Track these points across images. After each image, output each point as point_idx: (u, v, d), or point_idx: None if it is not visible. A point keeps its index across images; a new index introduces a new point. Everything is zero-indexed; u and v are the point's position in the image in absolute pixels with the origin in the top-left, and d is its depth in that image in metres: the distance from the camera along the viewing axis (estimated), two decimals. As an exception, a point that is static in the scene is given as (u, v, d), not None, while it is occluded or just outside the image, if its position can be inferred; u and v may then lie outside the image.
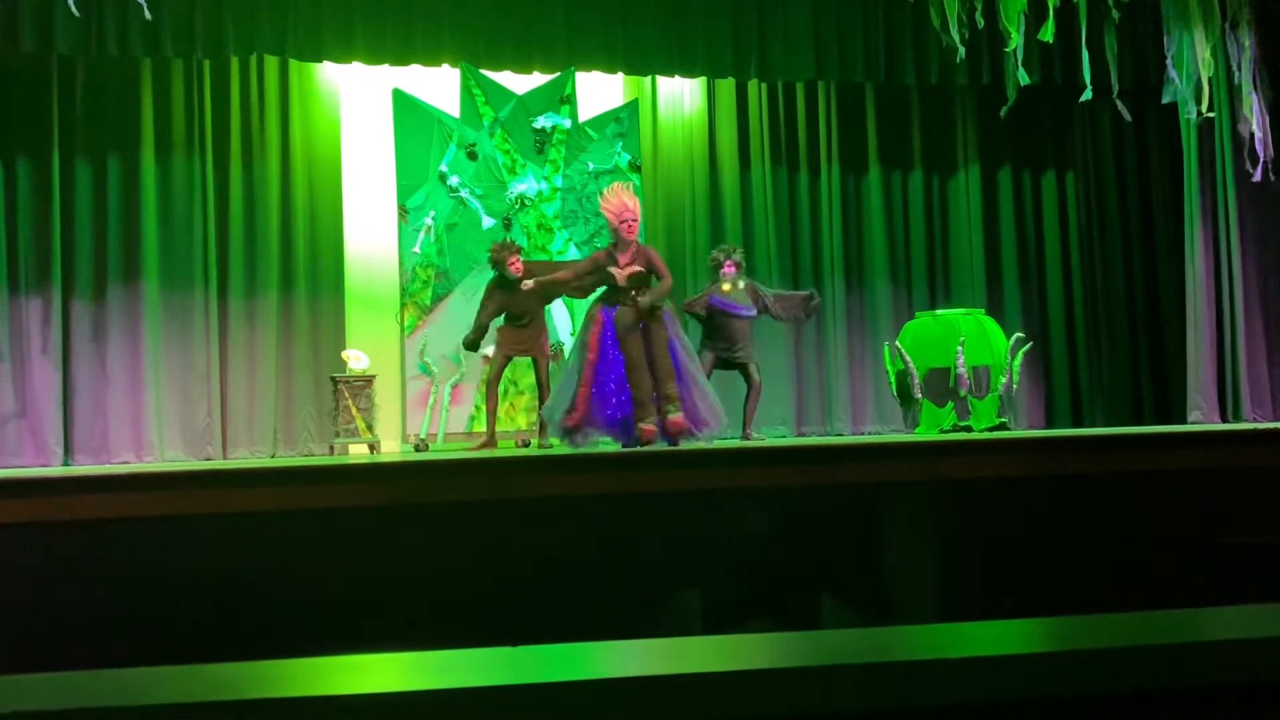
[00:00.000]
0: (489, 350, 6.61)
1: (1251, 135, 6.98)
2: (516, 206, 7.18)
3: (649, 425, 4.83)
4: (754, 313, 6.06)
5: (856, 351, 7.80)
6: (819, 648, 1.15)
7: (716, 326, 6.01)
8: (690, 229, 7.53)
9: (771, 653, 1.12)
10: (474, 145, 7.13)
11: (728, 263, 6.09)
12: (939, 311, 6.93)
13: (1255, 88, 7.03)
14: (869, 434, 7.55)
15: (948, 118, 8.10)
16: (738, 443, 5.62)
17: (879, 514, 3.83)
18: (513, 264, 5.86)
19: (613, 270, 4.97)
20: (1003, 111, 7.22)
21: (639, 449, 4.81)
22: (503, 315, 5.93)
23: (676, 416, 4.84)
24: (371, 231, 7.13)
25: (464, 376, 6.83)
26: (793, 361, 7.75)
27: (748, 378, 6.13)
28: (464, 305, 6.76)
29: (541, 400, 5.78)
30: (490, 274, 6.13)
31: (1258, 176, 7.04)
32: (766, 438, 5.85)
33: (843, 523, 3.74)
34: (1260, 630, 1.13)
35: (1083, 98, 7.11)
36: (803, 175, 7.87)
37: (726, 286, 6.03)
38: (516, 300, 5.85)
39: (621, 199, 5.07)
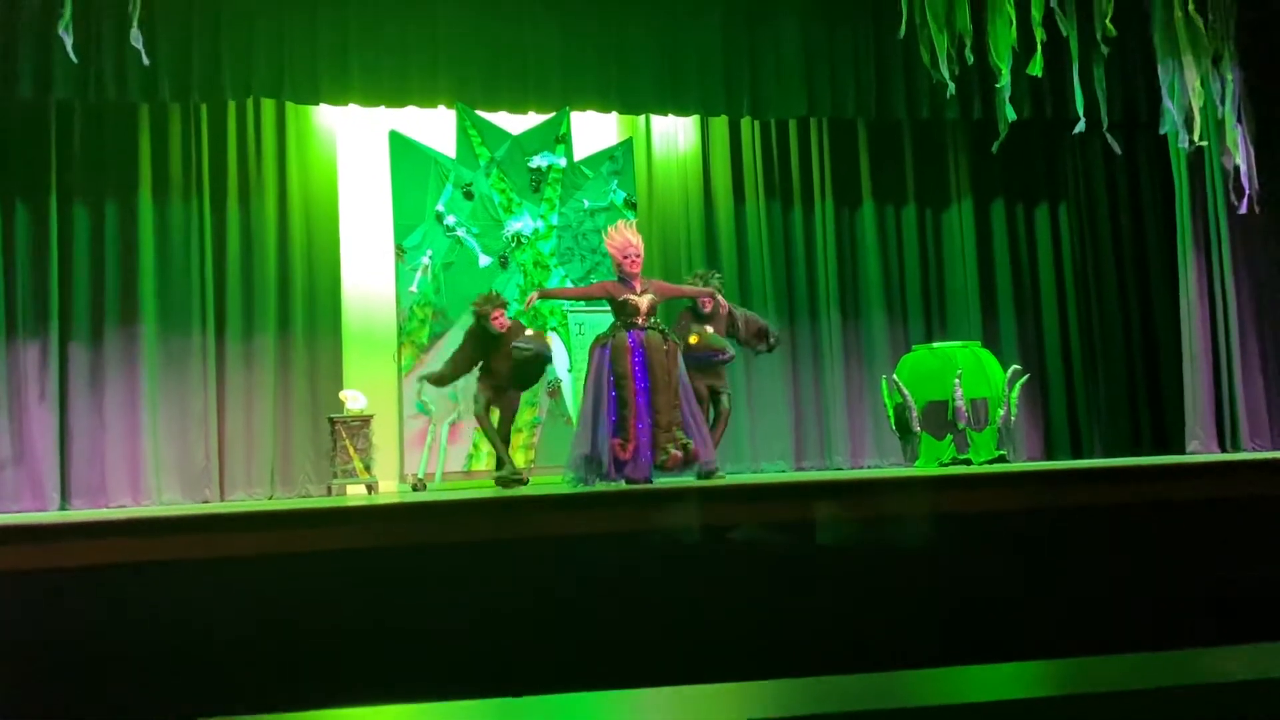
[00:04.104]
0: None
1: (1236, 168, 7.03)
2: (513, 245, 7.20)
3: (677, 451, 4.92)
4: (730, 355, 5.74)
5: (854, 385, 7.76)
6: (822, 694, 1.13)
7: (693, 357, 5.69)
8: (686, 264, 7.50)
9: (774, 700, 1.10)
10: (470, 185, 7.13)
11: (708, 286, 5.98)
12: (935, 344, 6.91)
13: (1239, 121, 7.09)
14: (868, 468, 7.54)
15: (940, 152, 8.09)
16: (725, 479, 5.41)
17: (878, 549, 3.81)
18: (496, 319, 5.72)
19: (628, 297, 5.11)
20: (995, 146, 7.25)
21: (642, 486, 4.83)
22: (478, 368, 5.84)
23: (678, 452, 4.96)
24: (369, 271, 7.13)
25: (461, 415, 6.79)
26: (791, 395, 7.74)
27: (716, 404, 5.94)
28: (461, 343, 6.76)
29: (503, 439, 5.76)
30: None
31: (1243, 209, 7.08)
32: (726, 476, 5.52)
33: (841, 558, 3.75)
34: (1265, 671, 1.12)
35: (1076, 129, 7.16)
36: (797, 210, 7.89)
37: (710, 330, 5.75)
38: (497, 359, 5.72)
39: (625, 235, 5.24)
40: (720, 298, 5.95)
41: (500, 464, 5.87)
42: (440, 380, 5.87)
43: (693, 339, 5.54)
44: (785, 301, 7.83)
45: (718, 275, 6.29)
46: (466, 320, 6.60)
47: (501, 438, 5.85)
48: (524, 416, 6.93)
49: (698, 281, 6.08)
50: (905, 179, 8.11)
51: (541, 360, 5.69)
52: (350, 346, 7.03)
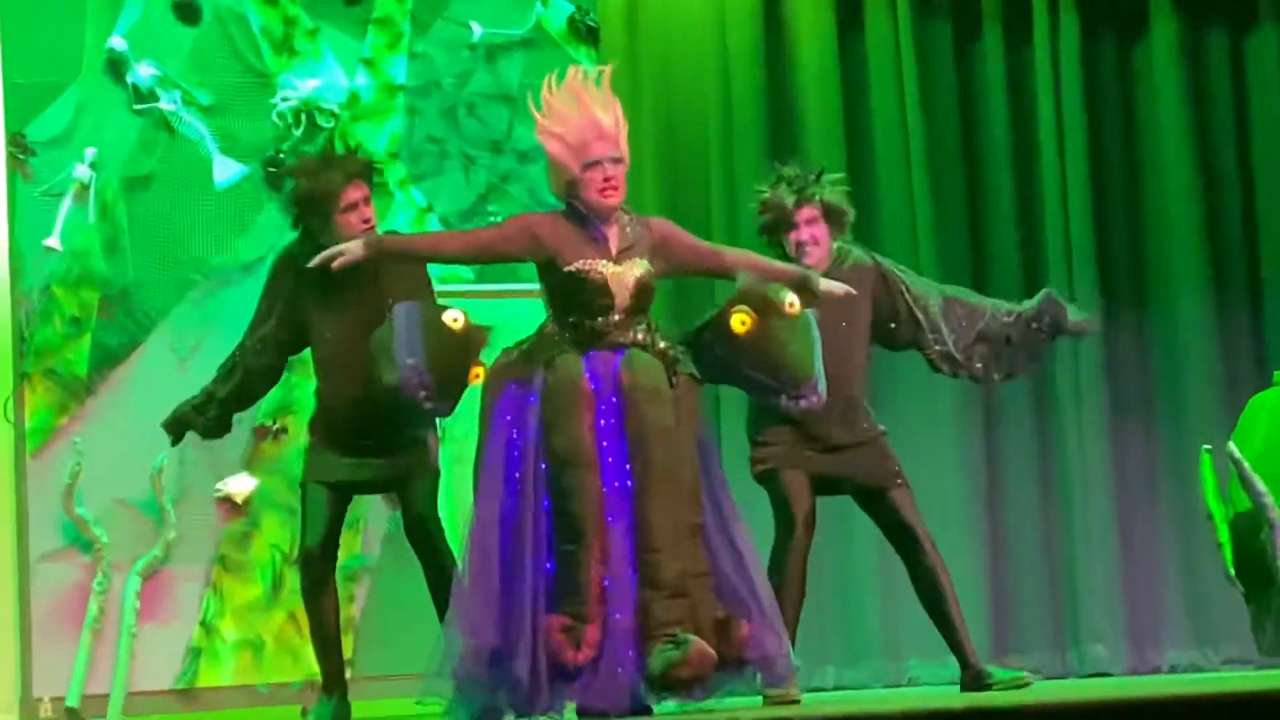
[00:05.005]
0: (247, 485, 7.12)
1: None
2: (297, 131, 7.41)
3: (694, 643, 4.95)
4: (820, 397, 5.56)
5: (1126, 470, 8.06)
6: None
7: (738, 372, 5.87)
8: (717, 166, 7.78)
9: None
10: (194, -14, 7.52)
11: (804, 209, 5.99)
12: (1335, 368, 7.10)
13: None
14: (1166, 673, 7.84)
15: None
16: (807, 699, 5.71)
17: None
18: (353, 211, 5.64)
19: (586, 267, 5.20)
20: None
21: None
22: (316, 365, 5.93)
23: (695, 642, 4.97)
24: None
25: (171, 551, 7.12)
26: (981, 498, 8.01)
27: (903, 532, 5.97)
28: (173, 376, 7.07)
29: (437, 594, 5.78)
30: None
31: None
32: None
33: None
34: None
35: None
36: (991, 40, 8.18)
37: (789, 301, 5.69)
38: (345, 312, 5.65)
39: (589, 110, 5.34)
40: (870, 265, 6.06)
41: (324, 679, 5.81)
42: (204, 423, 5.75)
43: (737, 319, 5.39)
44: (964, 263, 8.01)
45: (828, 178, 6.13)
46: (185, 319, 7.12)
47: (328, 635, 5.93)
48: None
49: (784, 197, 5.99)
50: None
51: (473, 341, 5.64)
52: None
